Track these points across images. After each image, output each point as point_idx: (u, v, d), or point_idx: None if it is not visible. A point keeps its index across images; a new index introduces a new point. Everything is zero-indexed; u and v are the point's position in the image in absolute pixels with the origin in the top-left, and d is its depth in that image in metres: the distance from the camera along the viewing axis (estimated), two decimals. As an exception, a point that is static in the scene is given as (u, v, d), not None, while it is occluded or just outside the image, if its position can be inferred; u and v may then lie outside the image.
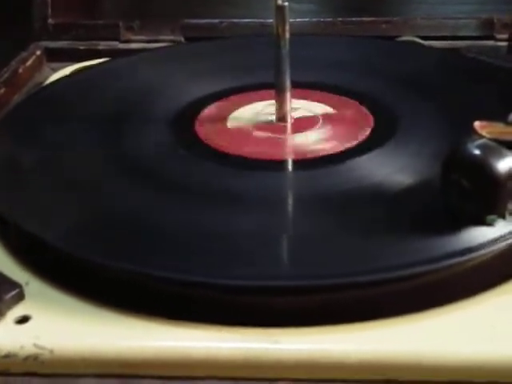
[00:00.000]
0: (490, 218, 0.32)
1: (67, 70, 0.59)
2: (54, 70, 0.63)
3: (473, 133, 0.32)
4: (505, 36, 0.61)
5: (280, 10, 0.42)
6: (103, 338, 0.30)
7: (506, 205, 0.32)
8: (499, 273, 0.33)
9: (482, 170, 0.31)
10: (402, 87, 0.49)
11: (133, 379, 0.30)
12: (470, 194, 0.32)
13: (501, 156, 0.31)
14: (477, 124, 0.32)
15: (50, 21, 0.69)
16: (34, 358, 0.30)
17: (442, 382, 0.29)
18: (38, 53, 0.66)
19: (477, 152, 0.31)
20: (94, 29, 0.69)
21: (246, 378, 0.30)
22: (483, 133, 0.32)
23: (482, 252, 0.32)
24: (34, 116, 0.47)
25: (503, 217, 0.32)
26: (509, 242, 0.32)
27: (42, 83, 0.58)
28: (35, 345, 0.30)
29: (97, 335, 0.30)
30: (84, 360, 0.30)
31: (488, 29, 0.64)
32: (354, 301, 0.31)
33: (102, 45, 0.68)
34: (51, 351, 0.30)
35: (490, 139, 0.31)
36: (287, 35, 0.44)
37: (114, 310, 0.31)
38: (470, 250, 0.32)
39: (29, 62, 0.64)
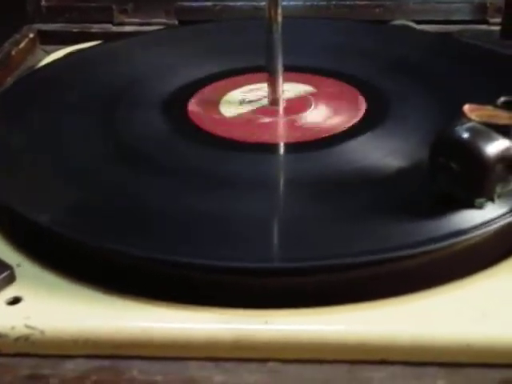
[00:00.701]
0: (479, 201, 0.32)
1: (60, 53, 0.59)
2: (48, 53, 0.63)
3: (462, 116, 0.32)
4: (498, 20, 0.61)
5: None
6: (94, 319, 0.31)
7: (494, 188, 0.32)
8: (488, 256, 0.33)
9: (471, 153, 0.31)
10: (394, 71, 0.49)
11: (123, 360, 0.30)
12: (458, 177, 0.32)
13: (489, 139, 0.31)
14: (466, 107, 0.32)
15: (43, 3, 0.69)
16: (24, 339, 0.30)
17: (434, 362, 0.30)
18: (31, 35, 0.66)
19: (465, 135, 0.31)
20: (88, 11, 0.69)
21: (237, 359, 0.30)
22: (472, 116, 0.32)
23: (471, 235, 0.32)
24: (27, 99, 0.47)
25: (492, 200, 0.32)
26: (498, 225, 0.33)
27: (35, 66, 0.58)
28: (26, 325, 0.30)
29: (87, 316, 0.31)
30: (75, 341, 0.30)
31: (481, 13, 0.65)
32: (343, 283, 0.32)
33: (96, 27, 0.68)
34: (42, 332, 0.30)
35: (479, 122, 0.32)
36: (279, 19, 0.44)
37: (104, 292, 0.32)
38: (459, 233, 0.32)
39: (22, 45, 0.64)
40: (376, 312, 0.31)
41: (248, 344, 0.30)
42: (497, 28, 0.60)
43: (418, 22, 0.64)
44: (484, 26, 0.64)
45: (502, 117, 0.32)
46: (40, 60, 0.60)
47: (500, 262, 0.33)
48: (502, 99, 0.33)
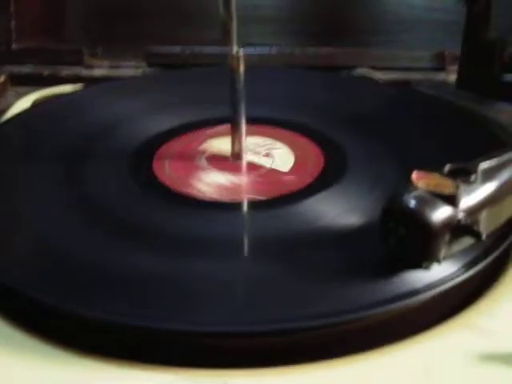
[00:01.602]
0: (426, 263, 0.34)
1: (32, 97, 0.61)
2: (19, 95, 0.64)
3: (410, 183, 0.34)
4: (455, 68, 0.64)
5: (236, 58, 0.44)
6: (64, 380, 0.32)
7: (440, 251, 0.34)
8: (434, 315, 0.35)
9: (417, 221, 0.33)
10: (354, 125, 0.50)
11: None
12: (406, 241, 0.34)
13: (435, 207, 0.33)
14: (414, 175, 0.34)
15: (13, 46, 0.70)
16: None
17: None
18: (2, 78, 0.67)
19: (412, 203, 0.33)
20: (58, 54, 0.70)
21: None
22: (419, 184, 0.34)
23: (418, 297, 0.34)
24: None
25: (438, 261, 0.34)
26: (444, 285, 0.34)
27: (6, 108, 0.59)
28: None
29: (58, 378, 0.32)
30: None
31: (440, 61, 0.67)
32: (295, 345, 0.33)
33: (66, 70, 0.69)
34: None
35: (426, 191, 0.34)
36: (242, 71, 0.45)
37: (74, 353, 0.33)
38: (407, 294, 0.34)
39: (-7, 87, 0.65)
40: (326, 372, 0.32)
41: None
42: (454, 76, 0.63)
43: (379, 69, 0.67)
44: (442, 74, 0.66)
45: (447, 185, 0.34)
46: (12, 103, 0.61)
47: (445, 320, 0.35)
48: (447, 168, 0.35)
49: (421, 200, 0.33)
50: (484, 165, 0.35)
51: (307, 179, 0.44)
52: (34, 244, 0.39)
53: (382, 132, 0.49)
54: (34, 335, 0.34)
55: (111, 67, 0.70)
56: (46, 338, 0.33)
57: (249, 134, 0.47)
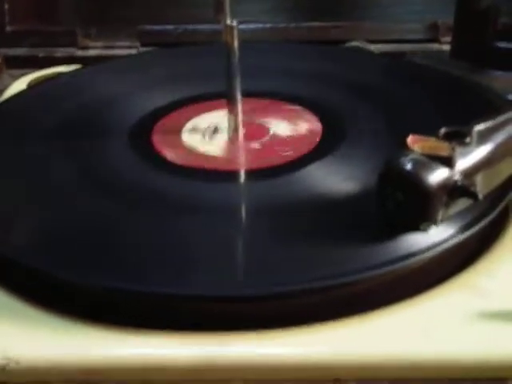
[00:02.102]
0: (424, 225, 0.35)
1: (27, 79, 0.61)
2: (14, 77, 0.64)
3: (405, 147, 0.35)
4: (449, 39, 0.64)
5: (229, 29, 0.44)
6: (65, 348, 0.32)
7: (437, 213, 0.34)
8: (433, 276, 0.36)
9: (414, 184, 0.33)
10: (350, 95, 0.51)
11: (95, 385, 0.32)
12: (404, 204, 0.34)
13: (431, 170, 0.33)
14: (409, 139, 0.35)
15: (7, 28, 0.70)
16: (1, 369, 0.32)
17: (384, 379, 0.32)
18: (-3, 61, 0.68)
19: (408, 167, 0.33)
20: (52, 36, 0.70)
21: (200, 380, 0.32)
22: (415, 147, 0.34)
23: (417, 258, 0.34)
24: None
25: (435, 224, 0.35)
26: (441, 248, 0.35)
27: (2, 91, 0.60)
28: (2, 357, 0.32)
29: (59, 346, 0.32)
30: (49, 369, 0.32)
31: (433, 32, 0.67)
32: (297, 307, 0.34)
33: (60, 51, 0.69)
34: (17, 362, 0.32)
35: (421, 154, 0.34)
36: (237, 51, 0.45)
37: (75, 321, 0.33)
38: (406, 256, 0.34)
39: (-12, 71, 0.65)
40: (328, 334, 0.33)
41: (207, 366, 0.32)
42: (447, 47, 0.63)
43: (373, 42, 0.67)
44: (436, 45, 0.67)
45: (443, 148, 0.34)
46: (7, 85, 0.61)
47: (444, 282, 0.35)
48: (443, 130, 0.35)
49: (417, 163, 0.34)
50: (479, 127, 0.35)
51: (305, 149, 0.44)
52: (34, 216, 0.39)
53: (378, 101, 0.50)
54: (34, 305, 0.34)
55: (105, 47, 0.70)
56: (47, 308, 0.34)
57: (245, 106, 0.47)
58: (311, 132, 0.46)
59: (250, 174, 0.43)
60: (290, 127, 0.47)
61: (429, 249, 0.34)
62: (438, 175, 0.33)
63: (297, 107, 0.50)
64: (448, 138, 0.35)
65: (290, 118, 0.48)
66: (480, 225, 0.36)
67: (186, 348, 0.32)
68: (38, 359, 0.32)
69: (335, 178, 0.41)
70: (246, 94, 0.47)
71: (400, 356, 0.32)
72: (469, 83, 0.52)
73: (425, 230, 0.35)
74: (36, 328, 0.33)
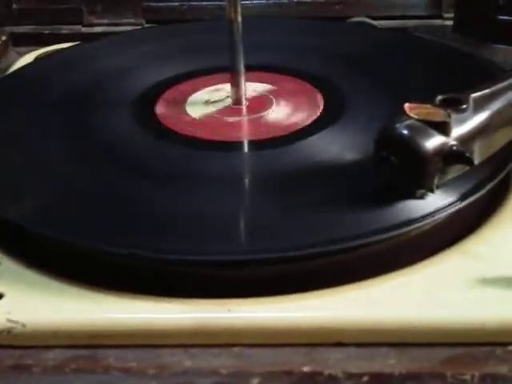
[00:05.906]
0: (420, 192, 0.35)
1: (33, 55, 0.61)
2: (20, 55, 0.65)
3: (402, 113, 0.35)
4: (452, 15, 0.64)
5: (233, 4, 0.45)
6: (70, 312, 0.33)
7: (433, 180, 0.35)
8: (432, 244, 0.36)
9: (410, 149, 0.34)
10: (351, 68, 0.51)
11: (100, 349, 0.33)
12: (400, 170, 0.35)
13: (426, 135, 0.34)
14: (406, 105, 0.35)
15: (14, 6, 0.71)
16: (7, 332, 0.32)
17: (385, 343, 0.32)
18: (4, 38, 0.68)
19: (404, 132, 0.34)
20: (58, 13, 0.71)
21: (204, 345, 0.33)
22: (411, 114, 0.34)
23: (414, 226, 0.35)
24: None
25: (431, 190, 0.35)
26: (439, 215, 0.35)
27: (8, 68, 0.60)
28: (8, 320, 0.33)
29: (65, 309, 0.33)
30: (54, 332, 0.33)
31: (436, 8, 0.67)
32: (299, 272, 0.34)
33: (66, 29, 0.70)
34: (23, 325, 0.32)
35: (417, 120, 0.34)
36: (239, 20, 0.46)
37: (79, 286, 0.34)
38: (404, 223, 0.35)
39: (-6, 48, 0.66)
40: (330, 299, 0.33)
41: (212, 331, 0.32)
42: (450, 23, 0.63)
43: (376, 18, 0.67)
44: (439, 21, 0.67)
45: (439, 114, 0.34)
46: (13, 62, 0.62)
47: (445, 249, 0.36)
48: (439, 97, 0.35)
49: (412, 128, 0.34)
50: (475, 94, 0.36)
51: (307, 120, 0.45)
52: (44, 184, 0.40)
53: (379, 73, 0.50)
54: (40, 270, 0.35)
55: (110, 24, 0.70)
56: (54, 274, 0.35)
57: (248, 80, 0.48)
58: (314, 104, 0.47)
59: (255, 143, 0.43)
60: (293, 99, 0.47)
61: (431, 214, 0.35)
62: (433, 140, 0.34)
63: (299, 79, 0.50)
64: (444, 104, 0.35)
65: (293, 89, 0.49)
66: (481, 192, 0.37)
67: (190, 313, 0.33)
68: (44, 322, 0.33)
69: (335, 148, 0.42)
70: (249, 68, 0.48)
71: (401, 320, 0.32)
72: (471, 56, 0.52)
73: (421, 196, 0.35)
74: (42, 292, 0.34)
